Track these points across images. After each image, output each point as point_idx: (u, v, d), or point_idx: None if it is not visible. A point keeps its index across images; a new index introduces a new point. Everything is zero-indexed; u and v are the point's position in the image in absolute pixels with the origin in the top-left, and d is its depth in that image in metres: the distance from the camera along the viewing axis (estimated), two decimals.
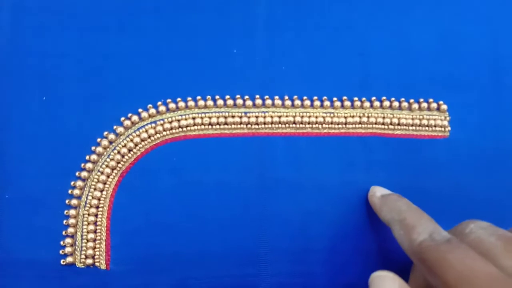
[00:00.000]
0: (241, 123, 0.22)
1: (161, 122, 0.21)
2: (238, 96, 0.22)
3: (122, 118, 0.21)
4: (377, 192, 0.21)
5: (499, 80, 0.23)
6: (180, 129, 0.21)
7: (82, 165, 0.21)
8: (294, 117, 0.22)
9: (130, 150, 0.21)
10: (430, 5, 0.23)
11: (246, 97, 0.22)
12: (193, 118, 0.21)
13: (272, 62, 0.22)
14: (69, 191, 0.21)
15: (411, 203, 0.19)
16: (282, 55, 0.22)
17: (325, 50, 0.22)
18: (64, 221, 0.20)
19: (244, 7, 0.22)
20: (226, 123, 0.22)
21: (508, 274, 0.14)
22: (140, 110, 0.21)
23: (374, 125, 0.22)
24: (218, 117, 0.22)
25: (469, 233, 0.16)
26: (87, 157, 0.21)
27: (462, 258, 0.15)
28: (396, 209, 0.19)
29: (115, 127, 0.21)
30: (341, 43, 0.22)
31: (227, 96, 0.22)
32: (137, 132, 0.21)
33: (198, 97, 0.22)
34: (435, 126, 0.22)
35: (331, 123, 0.22)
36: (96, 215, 0.21)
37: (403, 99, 0.22)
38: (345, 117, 0.22)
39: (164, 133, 0.21)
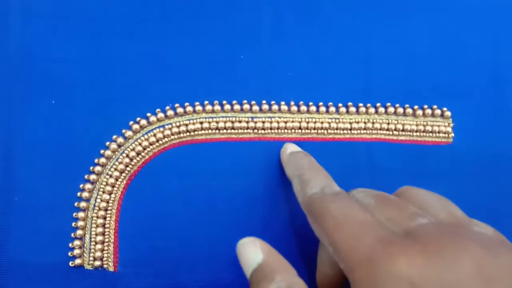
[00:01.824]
0: (248, 128, 0.22)
1: (169, 126, 0.22)
2: (245, 101, 0.22)
3: (131, 122, 0.21)
4: (288, 149, 0.21)
5: (501, 88, 0.23)
6: (188, 134, 0.22)
7: (91, 168, 0.21)
8: (300, 122, 0.22)
9: (138, 153, 0.21)
10: (433, 14, 0.23)
11: (253, 102, 0.22)
12: (201, 123, 0.22)
13: (278, 68, 0.22)
14: (78, 194, 0.21)
15: (315, 162, 0.20)
16: (287, 61, 0.22)
17: (330, 56, 0.23)
18: (73, 224, 0.21)
19: (250, 14, 0.23)
20: (233, 128, 0.22)
21: (382, 224, 0.15)
22: (148, 114, 0.22)
23: (378, 131, 0.23)
24: (225, 122, 0.22)
25: (351, 197, 0.17)
26: (96, 160, 0.21)
27: (340, 206, 0.15)
28: (299, 165, 0.19)
29: (123, 130, 0.21)
30: (345, 50, 0.23)
31: (234, 101, 0.22)
32: (146, 136, 0.21)
33: (206, 102, 0.22)
34: (438, 132, 0.23)
35: (336, 128, 0.22)
36: (104, 218, 0.21)
37: (407, 105, 0.23)
38: (350, 123, 0.22)
39: (172, 137, 0.22)
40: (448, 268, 0.12)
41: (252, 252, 0.16)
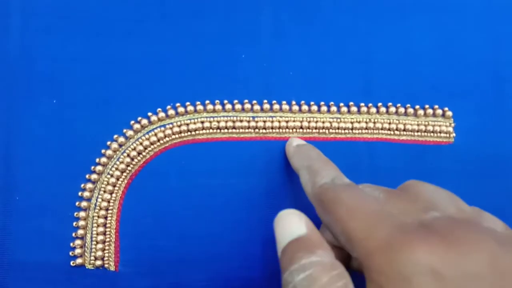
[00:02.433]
0: (249, 127, 0.22)
1: (170, 125, 0.22)
2: (246, 100, 0.22)
3: (132, 122, 0.21)
4: (294, 142, 0.21)
5: (502, 87, 0.23)
6: (189, 133, 0.22)
7: (92, 167, 0.21)
8: (301, 122, 0.22)
9: (139, 153, 0.21)
10: (434, 14, 0.23)
11: (254, 101, 0.22)
12: (202, 122, 0.22)
13: (279, 67, 0.22)
14: (79, 193, 0.21)
15: (322, 154, 0.20)
16: (288, 61, 0.22)
17: (331, 56, 0.23)
18: (74, 223, 0.21)
19: (251, 14, 0.22)
20: (234, 127, 0.22)
21: (395, 215, 0.15)
22: (149, 113, 0.21)
23: (380, 131, 0.23)
24: (226, 121, 0.22)
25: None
26: (97, 160, 0.21)
27: (353, 196, 0.16)
28: (306, 157, 0.20)
29: (124, 130, 0.21)
30: (346, 49, 0.23)
31: (235, 101, 0.22)
32: (147, 136, 0.21)
33: (207, 102, 0.22)
34: (440, 132, 0.23)
35: (338, 128, 0.22)
36: (105, 217, 0.21)
37: (409, 105, 0.23)
38: (352, 123, 0.22)
39: (173, 136, 0.22)
40: (466, 258, 0.12)
41: (295, 224, 0.15)
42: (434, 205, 0.15)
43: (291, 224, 0.15)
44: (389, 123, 0.23)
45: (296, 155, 0.20)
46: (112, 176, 0.21)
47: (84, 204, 0.21)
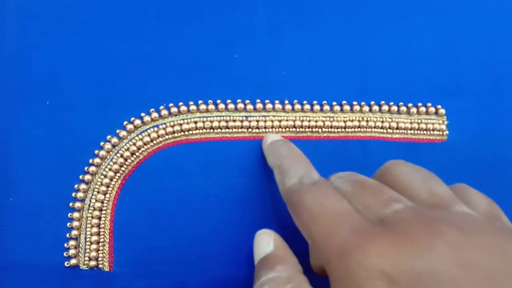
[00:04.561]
0: (242, 127, 0.22)
1: (164, 126, 0.22)
2: (239, 100, 0.22)
3: (125, 122, 0.21)
4: (269, 139, 0.21)
5: (496, 86, 0.23)
6: (182, 133, 0.22)
7: (86, 168, 0.21)
8: (294, 121, 0.22)
9: (133, 153, 0.21)
10: (429, 13, 0.23)
11: (247, 101, 0.22)
12: (195, 122, 0.22)
13: (273, 67, 0.22)
14: (73, 194, 0.21)
15: (294, 148, 0.19)
16: (282, 60, 0.23)
17: (325, 55, 0.23)
18: (68, 224, 0.21)
19: (245, 14, 0.23)
20: (227, 127, 0.22)
21: (358, 213, 0.14)
22: (142, 114, 0.22)
23: (373, 129, 0.23)
24: (219, 121, 0.22)
25: (329, 184, 0.17)
26: (90, 161, 0.21)
27: (316, 197, 0.15)
28: (278, 154, 0.19)
29: (118, 131, 0.21)
30: (340, 49, 0.23)
31: (229, 101, 0.22)
32: (140, 136, 0.21)
33: (200, 102, 0.22)
34: (433, 130, 0.23)
35: (331, 127, 0.22)
36: (99, 218, 0.21)
37: (401, 103, 0.23)
38: (344, 121, 0.22)
39: (167, 136, 0.22)
40: (420, 256, 0.12)
41: (265, 243, 0.17)
42: (405, 190, 0.15)
43: (261, 244, 0.17)
44: (382, 122, 0.23)
45: (270, 154, 0.20)
46: (105, 176, 0.21)
47: (78, 204, 0.21)
